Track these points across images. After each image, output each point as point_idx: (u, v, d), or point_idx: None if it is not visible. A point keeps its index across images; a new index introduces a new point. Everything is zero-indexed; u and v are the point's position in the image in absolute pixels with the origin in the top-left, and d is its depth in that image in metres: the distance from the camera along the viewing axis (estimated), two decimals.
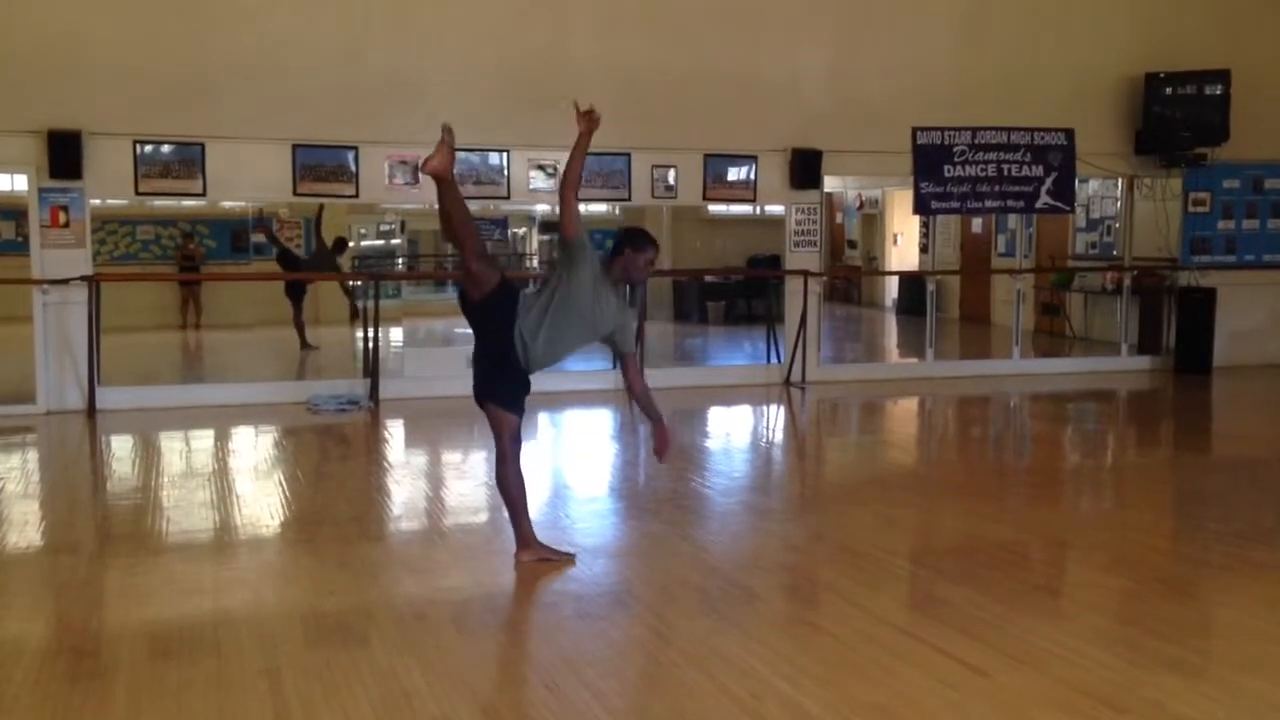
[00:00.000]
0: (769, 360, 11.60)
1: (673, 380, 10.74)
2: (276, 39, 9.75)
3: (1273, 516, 6.26)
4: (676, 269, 16.92)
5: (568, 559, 5.21)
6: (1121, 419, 10.56)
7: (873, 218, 20.02)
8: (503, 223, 20.08)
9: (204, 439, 8.71)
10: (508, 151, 10.36)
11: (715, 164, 10.96)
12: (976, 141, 11.32)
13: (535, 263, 20.44)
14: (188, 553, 5.56)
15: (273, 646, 4.18)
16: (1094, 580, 5.17)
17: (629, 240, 5.10)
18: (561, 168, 5.22)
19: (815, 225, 11.34)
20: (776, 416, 10.20)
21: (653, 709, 3.74)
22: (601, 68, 10.24)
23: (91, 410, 9.28)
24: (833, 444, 9.31)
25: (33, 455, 8.35)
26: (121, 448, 8.60)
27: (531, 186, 10.52)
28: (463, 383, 5.34)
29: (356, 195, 10.24)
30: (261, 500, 6.56)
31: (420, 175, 4.92)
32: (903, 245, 19.05)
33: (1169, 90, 11.68)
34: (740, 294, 17.56)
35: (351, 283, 15.95)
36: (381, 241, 20.95)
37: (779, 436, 9.61)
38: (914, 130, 11.16)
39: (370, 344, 10.22)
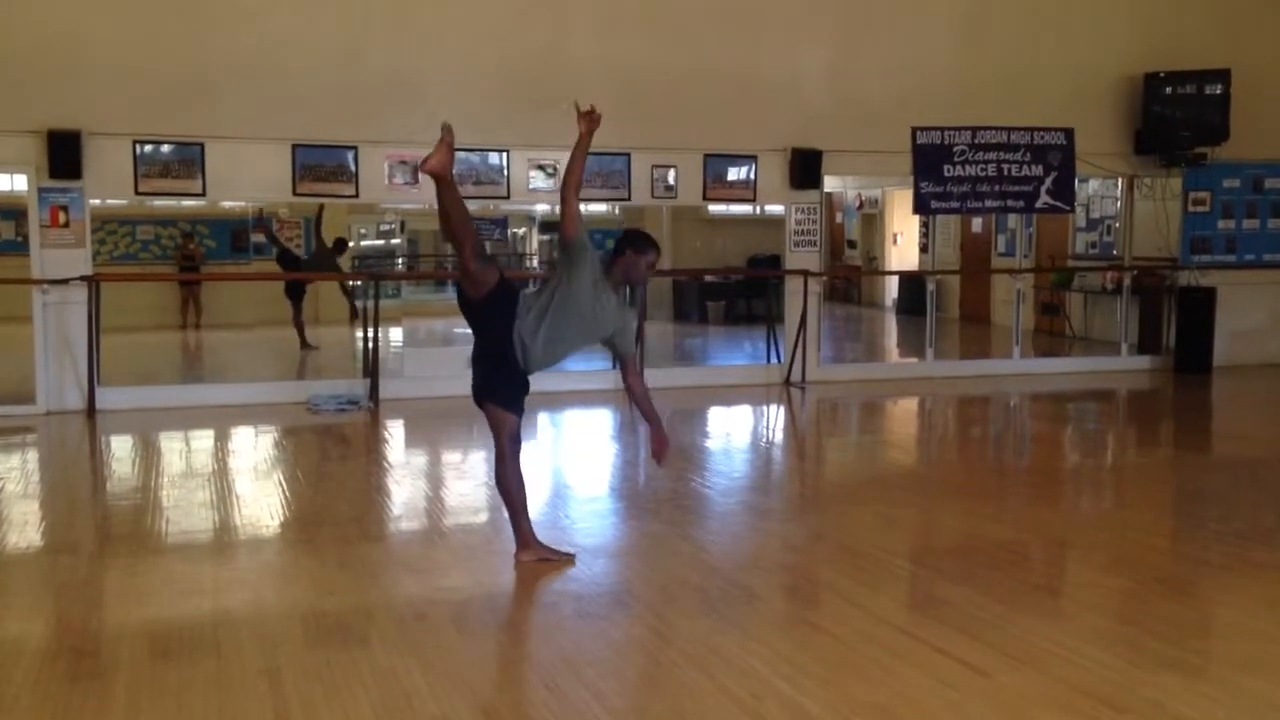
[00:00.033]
0: (769, 360, 11.60)
1: (673, 380, 10.75)
2: (276, 39, 9.75)
3: (1273, 516, 6.26)
4: (676, 269, 16.91)
5: (568, 559, 5.21)
6: (1121, 419, 10.56)
7: (872, 217, 20.02)
8: (502, 223, 20.11)
9: (204, 439, 8.71)
10: (507, 151, 10.36)
11: (715, 164, 10.97)
12: (976, 141, 11.32)
13: (535, 263, 20.46)
14: (187, 553, 5.56)
15: (273, 647, 4.18)
16: (1094, 580, 5.17)
17: (630, 242, 5.09)
18: (562, 168, 5.21)
19: (815, 225, 11.34)
20: (776, 416, 10.20)
21: (653, 709, 3.74)
22: (601, 68, 10.24)
23: (91, 410, 9.28)
24: (833, 444, 9.31)
25: (32, 455, 8.35)
26: (121, 448, 8.60)
27: (531, 186, 10.52)
28: (462, 383, 5.34)
29: (356, 195, 10.24)
30: (261, 500, 6.56)
31: (420, 175, 4.91)
32: (902, 245, 19.05)
33: (1169, 90, 11.68)
34: (740, 294, 17.56)
35: (351, 284, 15.95)
36: (381, 241, 20.98)
37: (779, 436, 9.61)
38: (914, 130, 11.16)
39: (370, 344, 10.22)
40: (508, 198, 10.61)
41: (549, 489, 6.90)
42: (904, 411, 10.64)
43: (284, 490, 6.87)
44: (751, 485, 7.37)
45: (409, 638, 4.27)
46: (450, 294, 14.08)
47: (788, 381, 11.11)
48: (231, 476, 7.29)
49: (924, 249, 17.79)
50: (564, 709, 3.65)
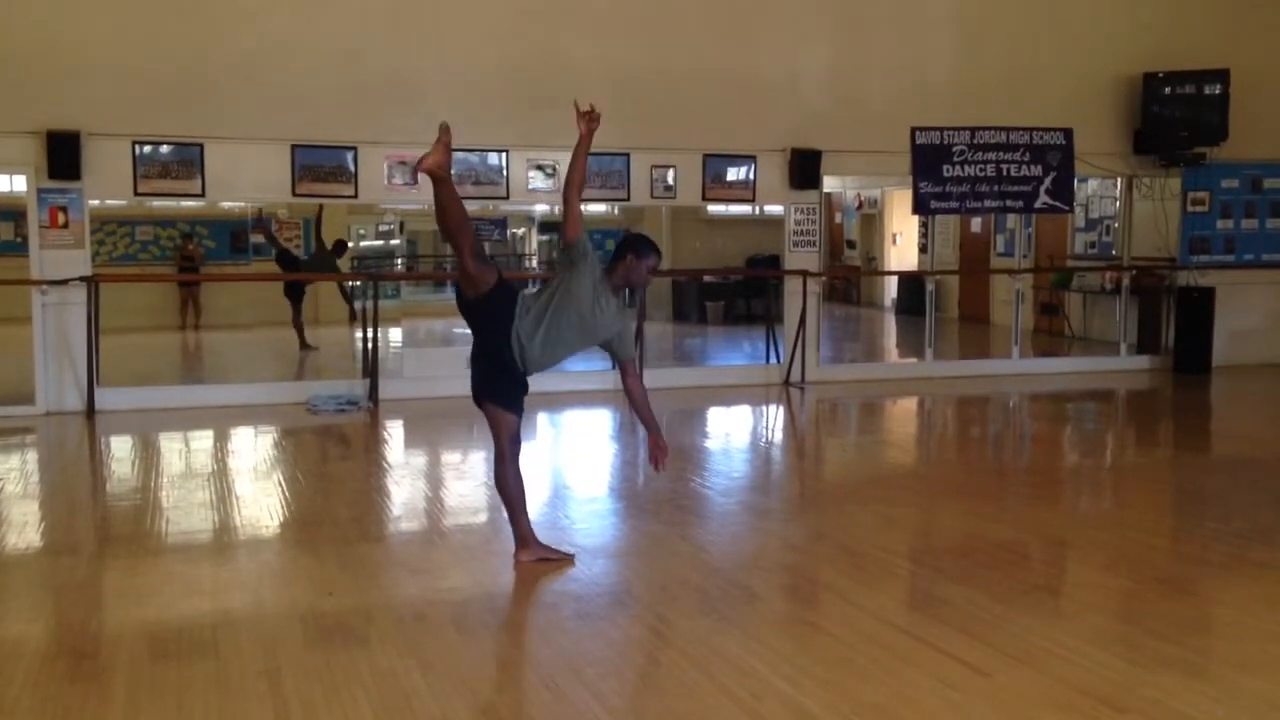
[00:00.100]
0: (768, 360, 11.60)
1: (672, 380, 10.76)
2: (276, 39, 9.75)
3: (1272, 516, 6.26)
4: (676, 269, 16.91)
5: (567, 559, 5.21)
6: (1121, 419, 10.56)
7: (872, 218, 20.02)
8: (502, 223, 20.10)
9: (203, 440, 8.70)
10: (507, 151, 10.36)
11: (714, 164, 10.97)
12: (975, 141, 11.33)
13: (534, 263, 20.46)
14: (187, 553, 5.56)
15: (272, 647, 4.18)
16: (1094, 580, 5.17)
17: (632, 247, 5.08)
18: (562, 169, 5.22)
19: (814, 225, 11.34)
20: (776, 416, 10.20)
21: (653, 709, 3.74)
22: (601, 68, 10.24)
23: (91, 411, 9.28)
24: (832, 444, 9.31)
25: (32, 456, 8.34)
26: (121, 448, 8.59)
27: (531, 187, 10.52)
28: (462, 383, 5.34)
29: (355, 196, 10.24)
30: (261, 501, 6.56)
31: (418, 175, 4.92)
32: (902, 245, 19.05)
33: (1168, 90, 11.68)
34: (739, 294, 17.57)
35: (350, 286, 15.94)
36: (380, 242, 20.97)
37: (778, 436, 9.61)
38: (913, 130, 11.17)
39: (369, 344, 10.22)
40: (507, 198, 10.60)
41: (549, 489, 6.90)
42: (903, 411, 10.64)
43: (283, 491, 6.87)
44: (751, 485, 7.37)
45: (409, 638, 4.27)
46: (449, 294, 14.09)
47: (787, 382, 11.11)
48: (231, 477, 7.28)
49: (923, 249, 17.79)
50: (564, 709, 3.65)
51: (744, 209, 14.20)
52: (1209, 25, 11.96)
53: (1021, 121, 11.42)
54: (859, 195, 19.86)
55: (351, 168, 10.03)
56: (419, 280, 20.93)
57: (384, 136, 9.91)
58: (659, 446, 5.21)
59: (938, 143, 11.24)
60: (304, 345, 13.86)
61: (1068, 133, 11.51)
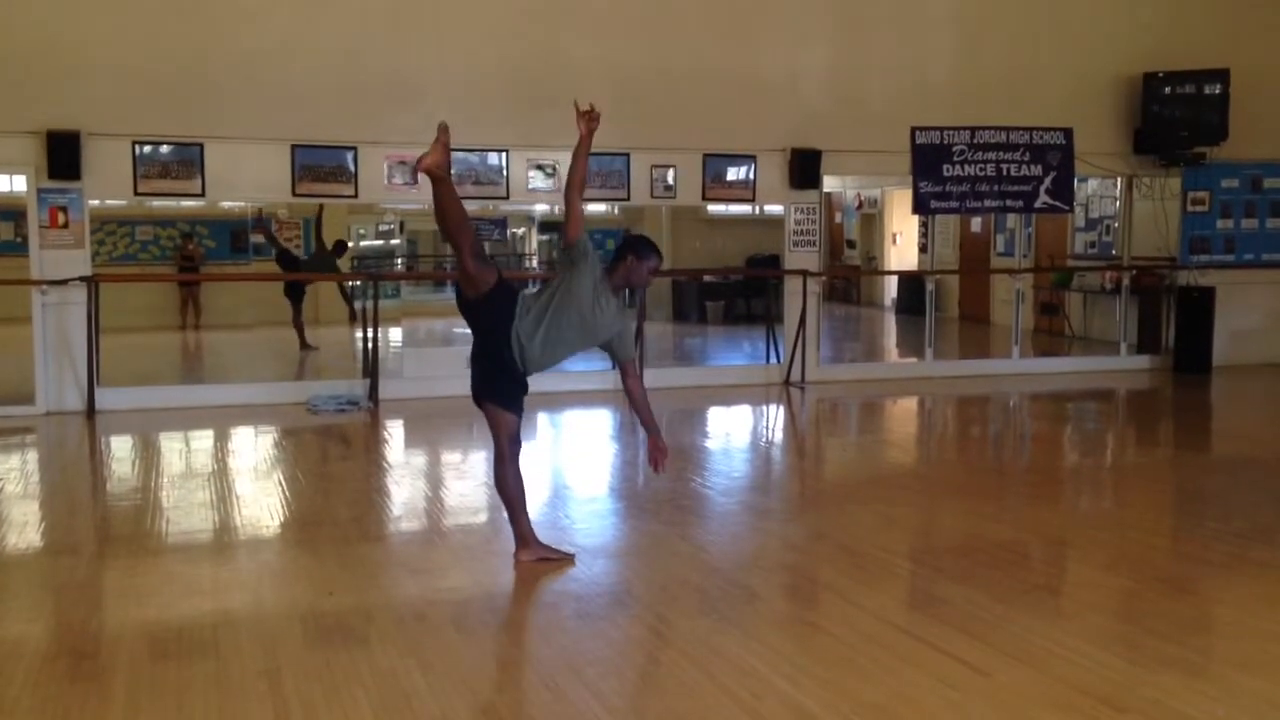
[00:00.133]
0: (768, 360, 11.61)
1: (672, 380, 10.76)
2: (276, 39, 9.75)
3: (1272, 516, 6.26)
4: (676, 269, 16.90)
5: (567, 559, 5.21)
6: (1121, 418, 10.56)
7: (872, 217, 20.02)
8: (502, 223, 20.09)
9: (203, 440, 8.71)
10: (507, 151, 10.35)
11: (714, 164, 10.97)
12: (975, 141, 11.33)
13: (534, 263, 20.45)
14: (187, 553, 5.56)
15: (272, 647, 4.18)
16: (1094, 579, 5.17)
17: (633, 248, 5.09)
18: (562, 169, 5.22)
19: (814, 225, 11.34)
20: (776, 416, 10.20)
21: (653, 709, 3.74)
22: (601, 68, 10.24)
23: (91, 411, 9.28)
24: (832, 444, 9.31)
25: (32, 456, 8.34)
26: (121, 448, 8.59)
27: (531, 186, 10.51)
28: (462, 383, 5.34)
29: (355, 195, 10.24)
30: (261, 501, 6.56)
31: (418, 175, 4.92)
32: (902, 245, 19.05)
33: (1168, 90, 11.68)
34: (739, 294, 17.57)
35: (350, 286, 15.94)
36: (380, 242, 20.96)
37: (778, 436, 9.61)
38: (913, 130, 11.17)
39: (369, 344, 10.22)
40: (507, 198, 10.60)
41: (549, 489, 6.90)
42: (903, 411, 10.64)
43: (284, 491, 6.87)
44: (751, 485, 7.37)
45: (409, 638, 4.27)
46: (449, 294, 14.09)
47: (787, 381, 11.11)
48: (231, 477, 7.29)
49: (923, 249, 17.79)
50: (564, 709, 3.65)
51: (744, 209, 14.21)
52: (1209, 25, 11.96)
53: (1021, 121, 11.42)
54: (859, 195, 19.86)
55: (351, 168, 10.03)
56: (419, 280, 20.92)
57: (384, 136, 9.91)
58: (658, 448, 5.22)
59: (938, 142, 11.24)
60: (304, 345, 13.87)
61: (1068, 132, 11.51)
